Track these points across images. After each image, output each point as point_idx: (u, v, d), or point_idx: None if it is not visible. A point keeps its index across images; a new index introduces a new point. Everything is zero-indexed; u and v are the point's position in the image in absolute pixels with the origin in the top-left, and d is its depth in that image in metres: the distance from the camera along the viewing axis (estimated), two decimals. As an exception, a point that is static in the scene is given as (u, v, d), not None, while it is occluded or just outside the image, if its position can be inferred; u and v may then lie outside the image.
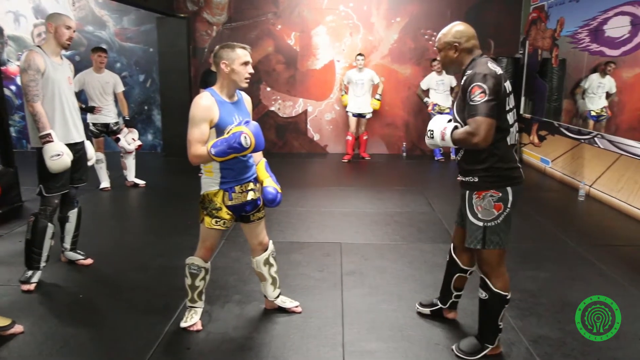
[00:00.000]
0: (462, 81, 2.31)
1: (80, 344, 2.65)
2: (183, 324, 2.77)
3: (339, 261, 3.75)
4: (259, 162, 2.81)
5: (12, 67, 8.10)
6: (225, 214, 2.62)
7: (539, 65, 7.21)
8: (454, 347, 2.61)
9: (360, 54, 7.38)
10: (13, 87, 8.13)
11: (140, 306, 3.02)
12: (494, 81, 2.20)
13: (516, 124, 2.39)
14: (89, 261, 3.67)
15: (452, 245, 2.78)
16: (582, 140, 5.92)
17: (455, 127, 2.31)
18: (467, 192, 2.43)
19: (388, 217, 4.84)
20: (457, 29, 2.40)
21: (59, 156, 3.06)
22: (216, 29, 7.99)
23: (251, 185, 2.68)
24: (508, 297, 2.45)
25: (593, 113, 5.74)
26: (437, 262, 3.73)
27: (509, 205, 2.35)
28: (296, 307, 3.00)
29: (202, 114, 2.46)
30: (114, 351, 2.59)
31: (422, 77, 7.72)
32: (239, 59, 2.51)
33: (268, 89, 8.17)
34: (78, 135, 3.38)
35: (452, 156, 7.77)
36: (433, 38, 7.81)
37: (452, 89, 7.62)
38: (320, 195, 5.72)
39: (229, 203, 2.62)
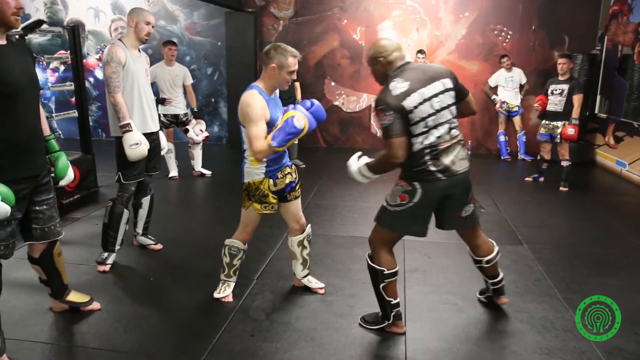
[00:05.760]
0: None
1: (151, 323, 2.79)
2: (217, 295, 3.03)
3: (401, 258, 3.71)
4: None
5: (91, 60, 8.57)
6: (272, 199, 2.88)
7: (618, 62, 6.80)
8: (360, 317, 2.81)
9: (421, 51, 7.24)
10: (91, 79, 8.60)
11: (207, 292, 3.11)
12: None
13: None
14: (159, 246, 3.83)
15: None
16: (665, 143, 5.54)
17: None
18: None
19: (451, 215, 4.72)
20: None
21: (137, 145, 3.20)
22: (283, 24, 8.09)
23: (288, 170, 2.93)
24: (386, 272, 2.63)
25: (679, 114, 5.36)
26: (502, 263, 3.60)
27: (414, 200, 2.52)
28: (320, 288, 3.17)
29: (260, 112, 2.65)
30: (182, 332, 2.70)
31: (489, 74, 7.49)
32: (288, 67, 2.68)
33: (332, 83, 8.19)
34: (154, 125, 3.51)
35: (520, 155, 7.50)
36: (503, 33, 7.55)
37: (521, 86, 7.35)
38: (383, 191, 5.63)
39: (274, 189, 2.86)
